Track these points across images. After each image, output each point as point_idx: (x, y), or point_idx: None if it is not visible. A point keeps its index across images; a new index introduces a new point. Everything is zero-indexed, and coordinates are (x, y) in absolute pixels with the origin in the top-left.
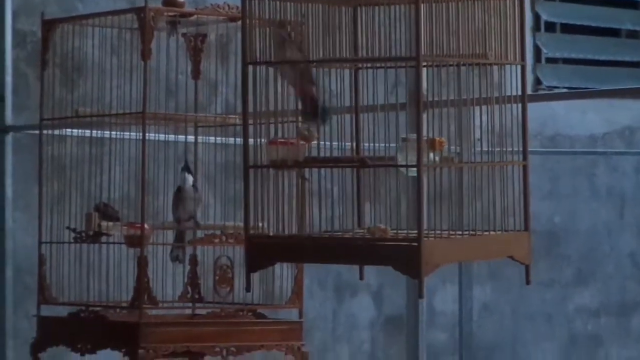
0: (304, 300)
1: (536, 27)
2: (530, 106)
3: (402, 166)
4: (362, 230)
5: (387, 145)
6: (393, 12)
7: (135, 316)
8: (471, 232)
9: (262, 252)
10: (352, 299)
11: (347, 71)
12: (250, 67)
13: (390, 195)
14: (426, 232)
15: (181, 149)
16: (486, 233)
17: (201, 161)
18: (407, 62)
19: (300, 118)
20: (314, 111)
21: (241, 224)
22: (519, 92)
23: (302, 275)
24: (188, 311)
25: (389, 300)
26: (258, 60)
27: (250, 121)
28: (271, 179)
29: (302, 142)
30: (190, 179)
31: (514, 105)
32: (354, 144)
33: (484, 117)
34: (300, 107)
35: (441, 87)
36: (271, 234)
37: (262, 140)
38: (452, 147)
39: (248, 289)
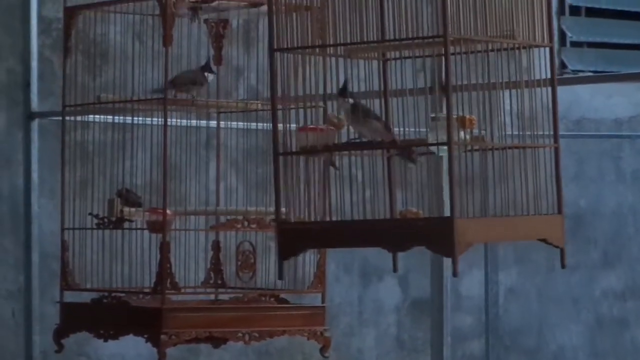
0: (330, 285)
1: (561, 11)
2: None
3: (433, 144)
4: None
5: (416, 129)
6: None
7: (158, 302)
8: (503, 214)
9: (294, 239)
10: (378, 284)
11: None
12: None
13: (421, 180)
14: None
15: (204, 134)
16: (519, 215)
17: (224, 146)
18: (434, 42)
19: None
20: (409, 154)
21: (263, 209)
22: (547, 75)
23: (324, 260)
24: (211, 297)
25: (415, 284)
26: (285, 47)
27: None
28: (301, 165)
29: (331, 128)
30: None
31: (542, 89)
32: None
33: (512, 101)
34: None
35: (474, 70)
36: (292, 220)
37: (292, 126)
38: (482, 131)
39: (281, 276)
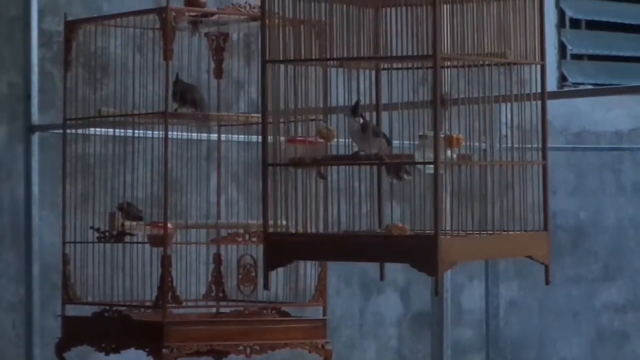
0: (331, 298)
1: (561, 24)
2: (556, 103)
3: (419, 163)
4: (382, 230)
5: (412, 142)
6: (415, 13)
7: (159, 315)
8: (489, 231)
9: (281, 250)
10: (379, 296)
11: (369, 71)
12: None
13: (413, 194)
14: (443, 231)
15: (205, 147)
16: (505, 232)
17: (225, 159)
18: (425, 60)
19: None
20: (396, 171)
21: None
22: (543, 90)
23: (325, 273)
24: (212, 310)
25: (416, 297)
26: (277, 59)
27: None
28: (290, 177)
29: (321, 140)
30: None
31: (539, 102)
32: None
33: (509, 114)
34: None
35: (466, 85)
36: (293, 231)
37: (281, 138)
38: (478, 144)
39: (266, 286)
